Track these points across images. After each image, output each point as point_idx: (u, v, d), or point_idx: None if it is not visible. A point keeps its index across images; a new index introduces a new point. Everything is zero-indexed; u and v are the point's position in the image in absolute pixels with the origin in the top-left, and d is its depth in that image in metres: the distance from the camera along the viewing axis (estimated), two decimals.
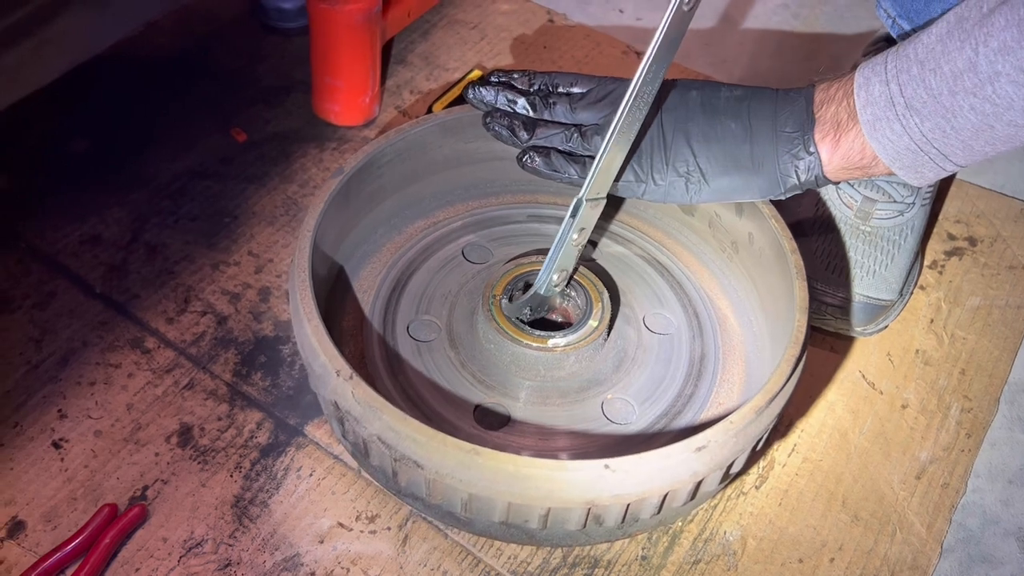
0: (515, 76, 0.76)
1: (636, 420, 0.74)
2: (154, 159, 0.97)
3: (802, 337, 0.67)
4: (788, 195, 0.71)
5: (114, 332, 0.82)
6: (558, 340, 0.74)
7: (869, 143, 0.65)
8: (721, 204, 0.78)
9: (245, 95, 1.04)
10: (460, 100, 0.99)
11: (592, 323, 0.75)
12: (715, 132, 0.69)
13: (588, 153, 0.73)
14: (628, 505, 0.61)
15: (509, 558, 0.71)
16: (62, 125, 0.99)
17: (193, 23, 1.12)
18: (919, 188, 0.86)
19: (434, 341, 0.78)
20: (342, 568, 0.70)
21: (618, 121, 0.65)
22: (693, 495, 0.64)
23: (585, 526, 0.62)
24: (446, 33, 1.14)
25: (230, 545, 0.71)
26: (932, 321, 0.88)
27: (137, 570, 0.69)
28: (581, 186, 0.70)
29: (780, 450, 0.79)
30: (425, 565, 0.71)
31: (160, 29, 1.10)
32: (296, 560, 0.70)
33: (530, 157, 0.73)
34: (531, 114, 0.74)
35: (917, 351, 0.86)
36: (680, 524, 0.74)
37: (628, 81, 0.70)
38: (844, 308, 0.83)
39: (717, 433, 0.61)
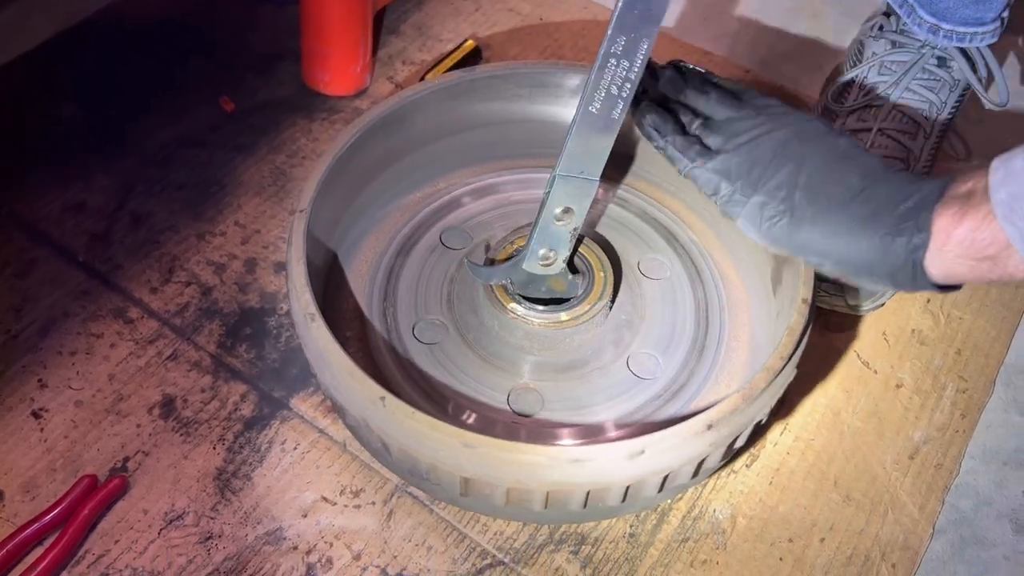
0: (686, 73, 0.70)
1: (663, 372, 0.74)
2: (141, 126, 0.95)
3: (811, 279, 0.67)
4: (874, 281, 0.60)
5: (96, 302, 0.81)
6: (566, 312, 0.72)
7: (1002, 226, 0.51)
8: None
9: (235, 63, 1.02)
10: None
11: (597, 289, 0.74)
12: (829, 175, 0.60)
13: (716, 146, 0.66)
14: (665, 476, 0.61)
15: (495, 534, 0.70)
16: (48, 90, 0.97)
17: None
18: (914, 168, 0.85)
19: (444, 342, 0.75)
20: (325, 543, 0.69)
21: (586, 93, 0.62)
22: (724, 456, 0.64)
23: (624, 499, 0.62)
24: (440, 3, 1.12)
25: (212, 518, 0.69)
26: (929, 300, 0.87)
27: (116, 542, 0.68)
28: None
29: (772, 429, 0.78)
30: (410, 540, 0.70)
31: None
32: (279, 534, 0.69)
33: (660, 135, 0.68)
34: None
35: (913, 330, 0.85)
36: (669, 502, 0.73)
37: (781, 105, 0.66)
38: (840, 284, 0.82)
39: (723, 412, 0.61)
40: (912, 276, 0.56)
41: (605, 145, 0.66)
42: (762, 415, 0.64)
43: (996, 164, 0.53)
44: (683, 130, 0.67)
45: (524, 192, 0.86)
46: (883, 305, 0.85)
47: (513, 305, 0.72)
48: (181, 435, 0.74)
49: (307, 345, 0.65)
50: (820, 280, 0.82)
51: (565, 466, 0.58)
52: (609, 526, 0.71)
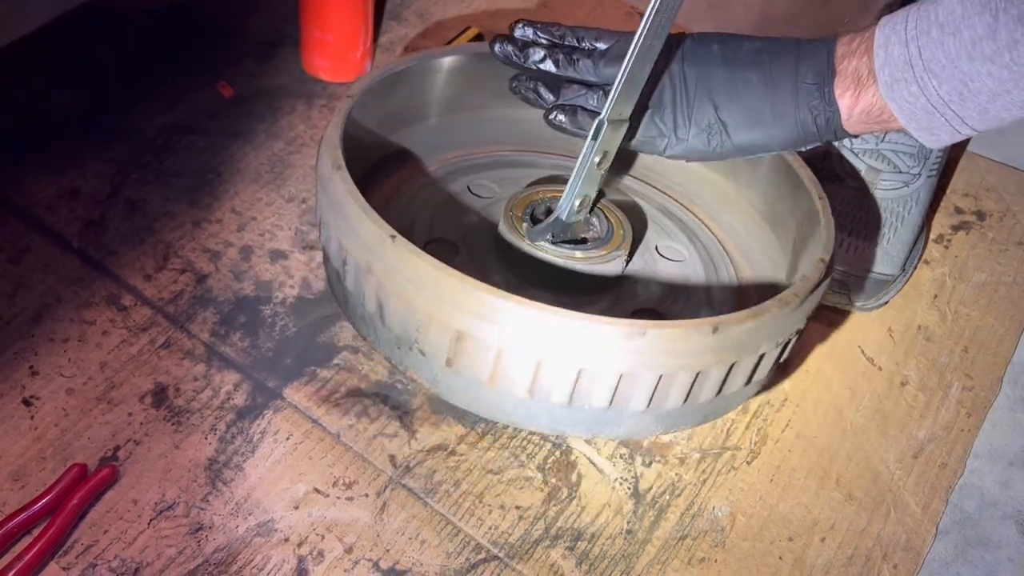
0: (539, 27, 0.75)
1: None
2: (137, 112, 0.94)
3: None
4: (808, 147, 0.71)
5: (90, 288, 0.80)
6: (581, 254, 0.73)
7: (886, 102, 0.65)
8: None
9: (233, 49, 1.01)
10: None
11: (615, 241, 0.74)
12: (737, 86, 0.69)
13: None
14: (659, 379, 0.60)
15: (490, 528, 0.69)
16: (44, 75, 0.96)
17: None
18: (926, 159, 0.84)
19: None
20: (317, 535, 0.68)
21: (640, 35, 0.64)
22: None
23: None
24: None
25: (202, 508, 0.69)
26: (936, 297, 0.86)
27: (105, 532, 0.67)
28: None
29: (773, 425, 0.77)
30: (403, 534, 0.69)
31: None
32: (270, 525, 0.68)
33: (556, 114, 0.73)
34: (555, 71, 0.73)
35: (919, 327, 0.83)
36: (668, 498, 0.72)
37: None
38: (844, 282, 0.81)
39: (730, 320, 0.60)
40: (833, 136, 0.69)
41: (641, 85, 0.69)
42: (769, 347, 0.62)
43: (879, 40, 0.65)
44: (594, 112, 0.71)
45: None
46: (887, 303, 0.84)
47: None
48: (173, 424, 0.73)
49: (327, 197, 0.66)
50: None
51: (559, 331, 0.58)
52: (606, 522, 0.70)
